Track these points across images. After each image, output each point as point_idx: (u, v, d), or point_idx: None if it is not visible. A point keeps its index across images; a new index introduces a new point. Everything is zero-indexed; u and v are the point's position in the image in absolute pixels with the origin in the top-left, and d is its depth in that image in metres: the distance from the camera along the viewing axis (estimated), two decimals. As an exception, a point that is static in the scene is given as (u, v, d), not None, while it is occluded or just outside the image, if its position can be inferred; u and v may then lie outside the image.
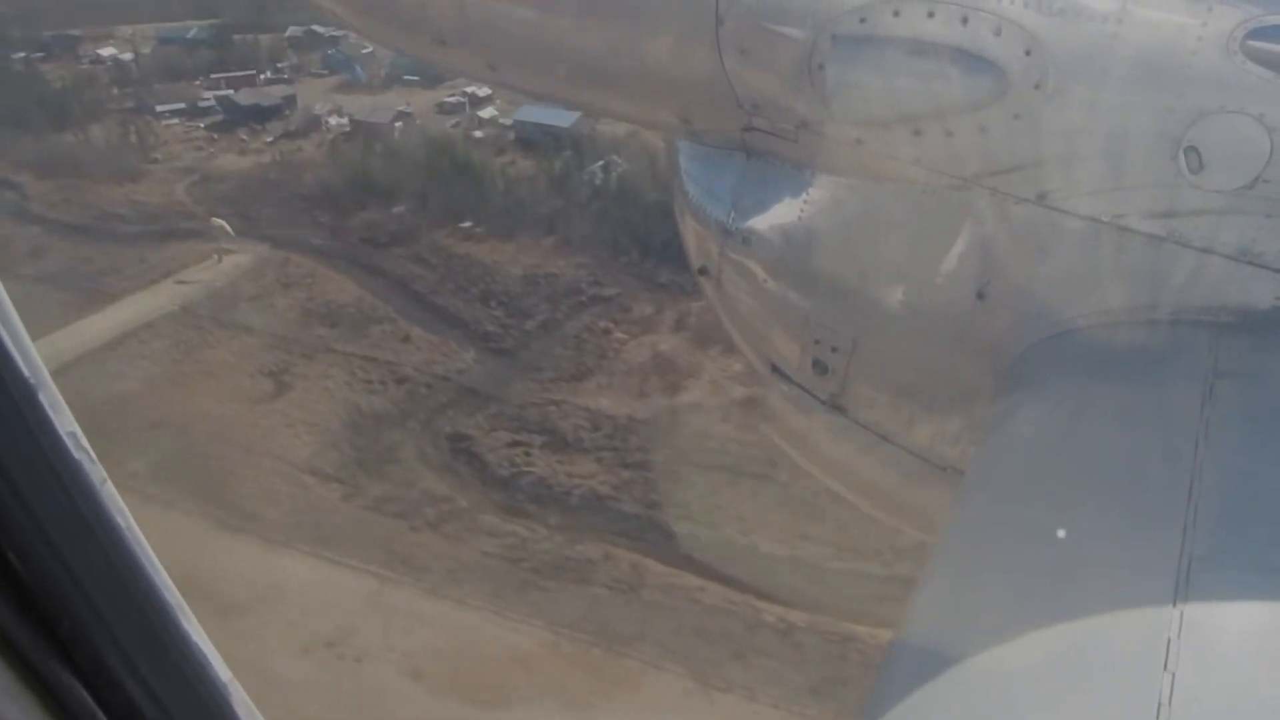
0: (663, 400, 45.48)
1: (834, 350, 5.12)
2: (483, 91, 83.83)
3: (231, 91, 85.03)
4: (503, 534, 38.75)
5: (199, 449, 43.30)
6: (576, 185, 66.42)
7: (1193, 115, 3.94)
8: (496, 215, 63.90)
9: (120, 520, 1.88)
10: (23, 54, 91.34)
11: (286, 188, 69.51)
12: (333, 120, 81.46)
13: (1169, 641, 2.59)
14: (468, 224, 64.38)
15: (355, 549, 37.44)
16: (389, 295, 56.43)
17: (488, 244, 61.16)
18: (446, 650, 32.77)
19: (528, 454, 43.09)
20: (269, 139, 78.11)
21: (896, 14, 4.29)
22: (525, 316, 53.62)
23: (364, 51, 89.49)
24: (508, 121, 79.27)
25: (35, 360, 1.72)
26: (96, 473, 1.84)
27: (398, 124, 79.04)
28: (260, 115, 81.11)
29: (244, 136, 78.52)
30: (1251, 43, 3.83)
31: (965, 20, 4.16)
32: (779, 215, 5.15)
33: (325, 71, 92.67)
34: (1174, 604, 2.71)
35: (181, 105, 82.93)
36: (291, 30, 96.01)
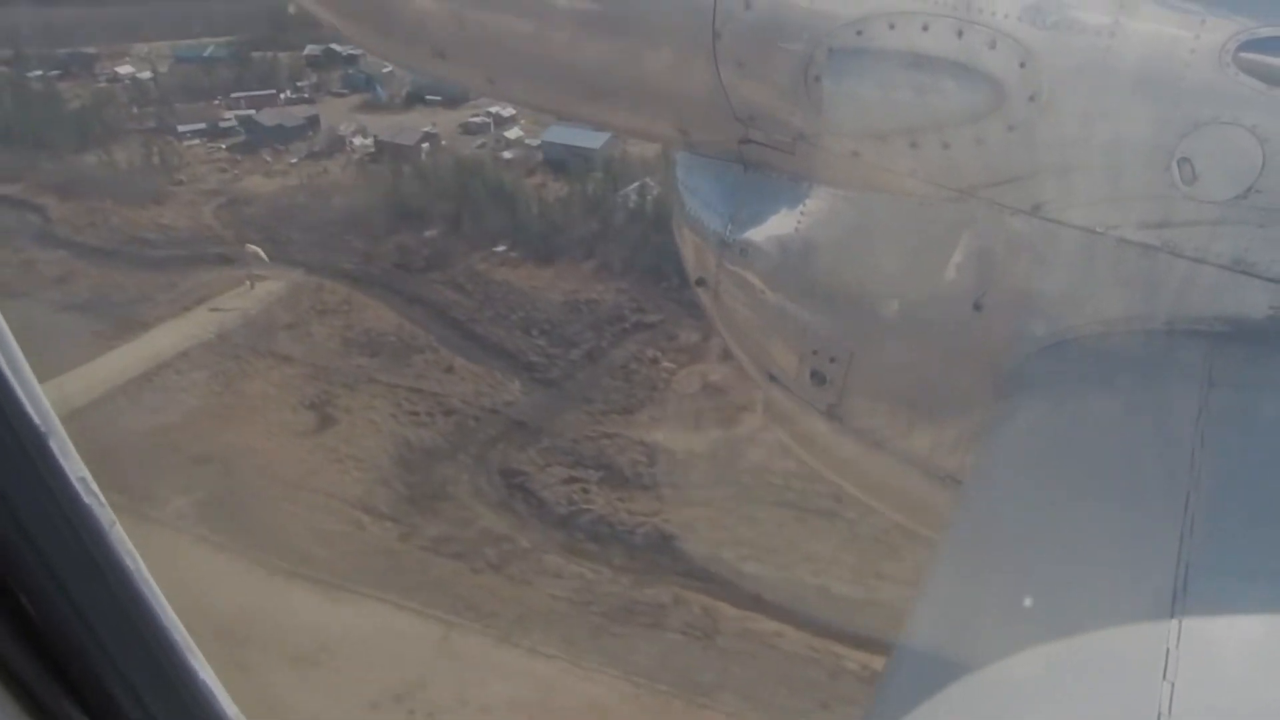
0: (718, 433, 44.41)
1: (832, 361, 5.14)
2: (506, 111, 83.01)
3: (253, 111, 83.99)
4: (568, 576, 37.59)
5: (246, 486, 42.12)
6: (611, 208, 65.45)
7: (1186, 126, 3.97)
8: (531, 239, 62.89)
9: (129, 562, 1.91)
10: (39, 72, 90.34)
11: (315, 211, 68.40)
12: (357, 141, 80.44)
13: (1168, 651, 2.56)
14: (502, 248, 63.37)
15: (417, 593, 36.25)
16: (428, 323, 55.34)
17: (524, 269, 60.13)
18: (523, 703, 31.57)
19: (585, 491, 42.00)
20: (293, 160, 77.03)
21: (892, 27, 4.30)
22: (569, 345, 52.60)
23: (384, 70, 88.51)
24: (534, 142, 78.38)
25: (46, 408, 1.79)
26: (105, 516, 1.89)
27: (424, 145, 78.07)
28: (283, 136, 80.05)
29: (267, 157, 77.45)
30: (1244, 54, 3.83)
31: (960, 33, 4.18)
32: (776, 227, 5.16)
33: (346, 90, 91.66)
34: (1172, 613, 2.69)
35: (202, 125, 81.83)
36: (310, 49, 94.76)
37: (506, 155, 76.68)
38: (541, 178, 73.50)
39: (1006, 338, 4.55)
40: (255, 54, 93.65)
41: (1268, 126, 3.89)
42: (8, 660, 1.75)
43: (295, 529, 39.65)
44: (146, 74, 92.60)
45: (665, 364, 49.96)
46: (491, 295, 57.51)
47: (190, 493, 41.12)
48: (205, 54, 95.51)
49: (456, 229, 64.54)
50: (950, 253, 4.67)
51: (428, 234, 65.47)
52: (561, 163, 73.32)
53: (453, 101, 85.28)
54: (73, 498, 1.82)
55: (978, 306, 4.58)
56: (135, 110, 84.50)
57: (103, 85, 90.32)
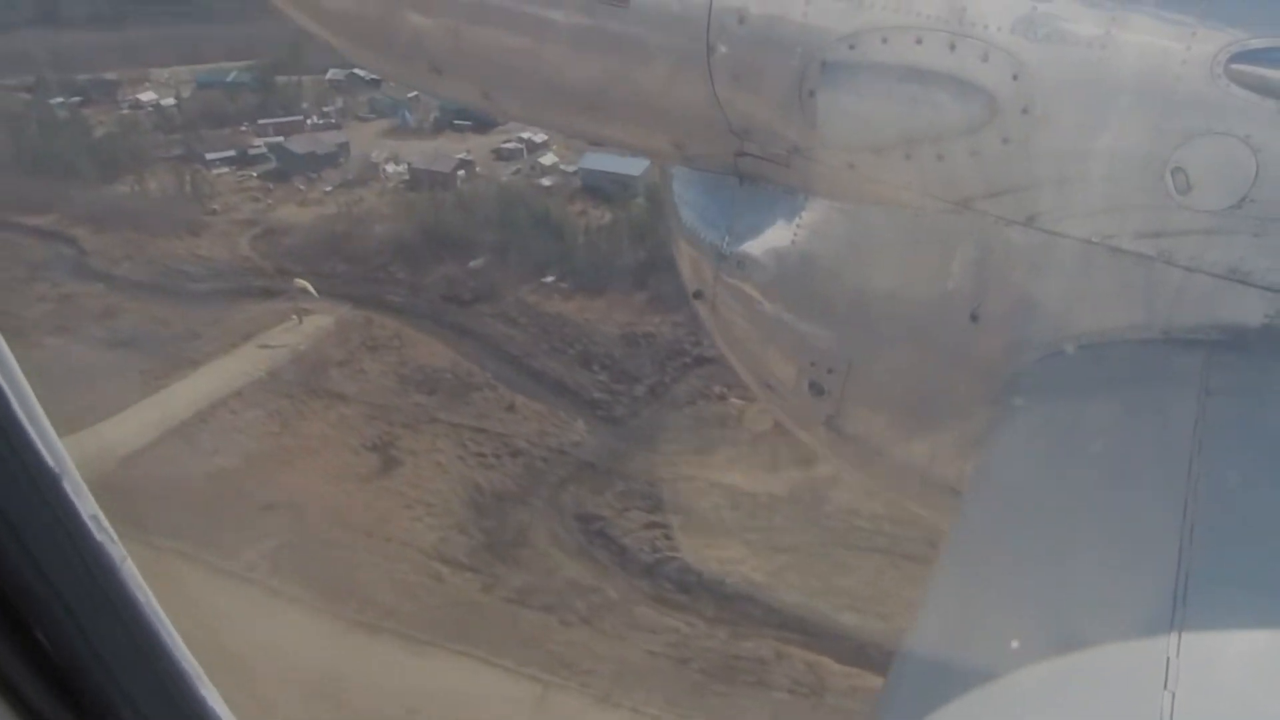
0: (797, 474, 43.05)
1: (830, 372, 5.13)
2: (539, 137, 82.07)
3: (281, 138, 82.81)
4: (662, 630, 36.20)
5: (317, 534, 40.67)
6: (658, 237, 64.34)
7: (1179, 137, 3.97)
8: (580, 270, 61.73)
9: (140, 596, 1.97)
10: (61, 99, 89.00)
11: (355, 241, 67.12)
12: (390, 168, 79.26)
13: (1168, 661, 2.56)
14: (550, 279, 62.17)
15: (508, 648, 34.82)
16: (483, 358, 54.05)
17: (575, 301, 58.93)
18: (635, 769, 30.18)
19: (668, 537, 40.66)
20: (327, 188, 75.75)
21: (885, 41, 4.32)
22: (631, 380, 51.36)
23: (410, 95, 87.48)
24: (570, 168, 77.31)
25: (59, 449, 1.87)
26: (117, 552, 1.95)
27: (460, 172, 76.93)
28: (315, 163, 78.83)
29: (300, 186, 76.17)
30: (1235, 65, 3.84)
31: (953, 46, 4.19)
32: (772, 239, 5.16)
33: (372, 115, 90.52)
34: (1172, 622, 2.69)
35: (231, 153, 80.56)
36: (332, 73, 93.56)
37: (545, 182, 75.55)
38: (582, 205, 72.44)
39: (1003, 348, 4.55)
40: (279, 79, 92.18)
41: (1260, 137, 3.87)
42: (23, 693, 1.79)
43: (373, 580, 38.20)
44: (170, 100, 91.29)
45: (733, 400, 48.66)
46: (545, 328, 56.25)
47: (260, 542, 39.67)
48: (228, 79, 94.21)
49: (502, 259, 63.34)
50: (946, 264, 4.66)
51: (473, 264, 64.26)
52: (601, 190, 72.34)
53: (483, 127, 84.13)
54: (85, 536, 1.87)
55: (974, 317, 4.58)
56: (161, 137, 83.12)
57: (126, 112, 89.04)
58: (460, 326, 56.90)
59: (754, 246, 5.23)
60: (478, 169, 79.05)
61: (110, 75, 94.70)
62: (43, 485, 1.80)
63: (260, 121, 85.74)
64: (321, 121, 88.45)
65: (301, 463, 45.04)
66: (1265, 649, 2.76)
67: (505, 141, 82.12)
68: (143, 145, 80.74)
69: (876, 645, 34.75)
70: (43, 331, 54.23)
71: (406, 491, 43.42)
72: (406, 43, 5.83)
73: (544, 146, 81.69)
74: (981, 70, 4.21)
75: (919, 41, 4.29)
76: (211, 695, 1.99)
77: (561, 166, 78.29)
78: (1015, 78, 4.16)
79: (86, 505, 1.88)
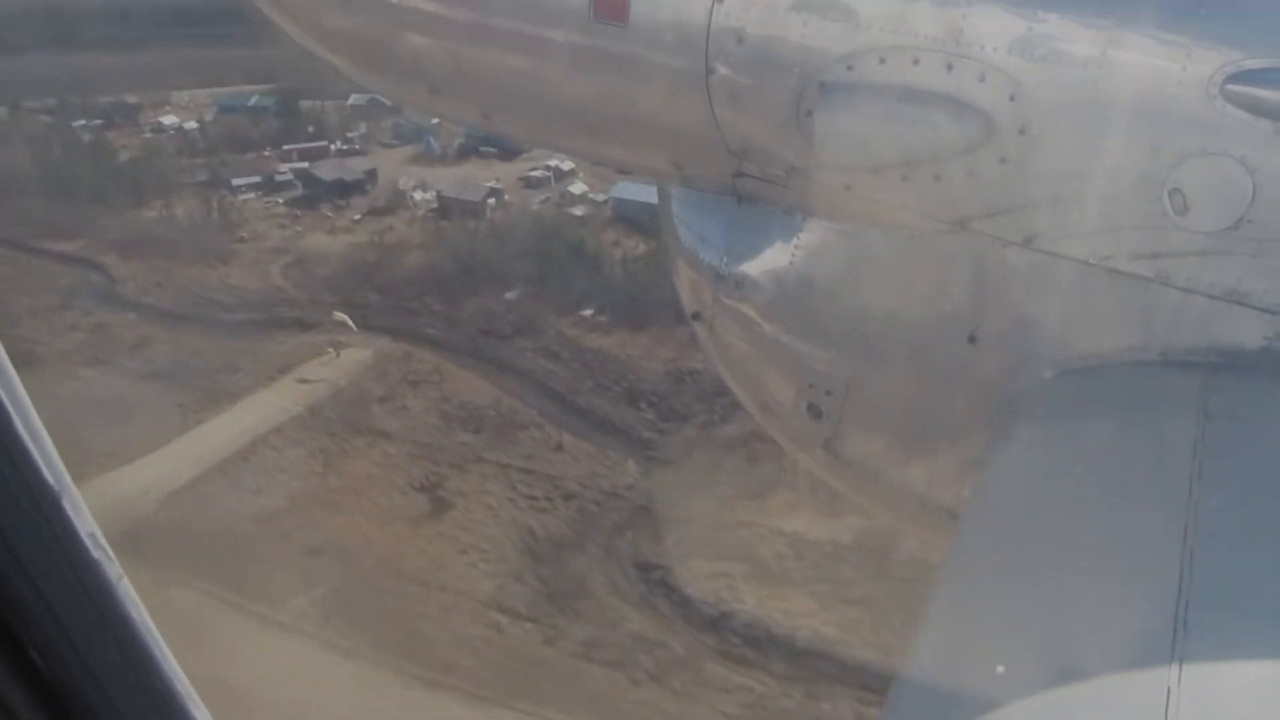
0: (861, 520, 41.84)
1: (828, 394, 5.09)
2: (566, 164, 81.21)
3: (307, 164, 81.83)
4: (735, 688, 34.86)
5: (368, 581, 39.30)
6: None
7: (1176, 158, 3.96)
8: (618, 303, 60.66)
9: (135, 614, 1.97)
10: (82, 121, 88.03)
11: (388, 271, 66.06)
12: (418, 195, 78.29)
13: (1169, 690, 2.55)
14: (589, 312, 61.13)
15: (579, 708, 33.43)
16: (526, 395, 52.90)
17: (616, 336, 57.88)
18: (723, 843, 28.72)
19: (732, 587, 39.34)
20: (356, 216, 74.68)
21: (882, 61, 4.32)
22: (680, 419, 50.20)
23: (434, 121, 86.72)
24: (600, 198, 76.40)
25: (58, 466, 1.87)
26: (113, 570, 1.95)
27: (490, 201, 75.95)
28: (343, 190, 77.83)
29: (328, 213, 75.08)
30: (1230, 86, 3.84)
31: (950, 67, 4.20)
32: (771, 260, 5.14)
33: (396, 141, 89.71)
34: (1173, 650, 2.67)
35: (257, 179, 79.51)
36: (354, 98, 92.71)
37: (577, 212, 74.59)
38: (615, 235, 71.47)
39: (1001, 370, 4.53)
40: (303, 103, 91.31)
41: (1257, 157, 3.85)
42: (14, 708, 1.81)
43: (430, 632, 36.81)
44: (192, 124, 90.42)
45: (787, 442, 47.49)
46: (588, 364, 55.16)
47: (309, 590, 38.29)
48: (249, 103, 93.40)
49: (538, 291, 62.31)
50: (944, 285, 4.63)
51: (509, 296, 63.18)
52: (634, 220, 71.27)
53: (508, 154, 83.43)
54: (82, 553, 1.88)
55: (972, 339, 4.55)
56: (185, 162, 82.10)
57: (148, 136, 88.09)
58: (501, 361, 55.78)
59: (752, 267, 5.21)
60: (506, 197, 78.10)
61: (130, 98, 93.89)
62: (41, 502, 1.82)
63: (285, 147, 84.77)
64: (346, 147, 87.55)
65: (348, 504, 43.72)
66: (1268, 678, 2.72)
67: (532, 169, 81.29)
68: (167, 170, 79.65)
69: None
70: (76, 362, 53.06)
71: (458, 536, 42.09)
72: (406, 63, 5.83)
73: (572, 174, 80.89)
74: (978, 91, 4.19)
75: (916, 62, 4.27)
76: (202, 715, 2.00)
77: (591, 195, 77.38)
78: (1012, 98, 4.14)
79: (84, 522, 1.89)
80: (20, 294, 59.72)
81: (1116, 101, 4.05)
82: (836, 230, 4.94)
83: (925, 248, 4.59)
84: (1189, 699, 2.52)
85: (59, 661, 1.84)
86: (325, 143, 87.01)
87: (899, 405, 5.10)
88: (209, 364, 54.15)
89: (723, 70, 4.67)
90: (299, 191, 78.16)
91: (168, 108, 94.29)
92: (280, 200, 77.36)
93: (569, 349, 56.71)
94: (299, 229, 72.55)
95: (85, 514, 1.90)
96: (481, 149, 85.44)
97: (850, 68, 4.40)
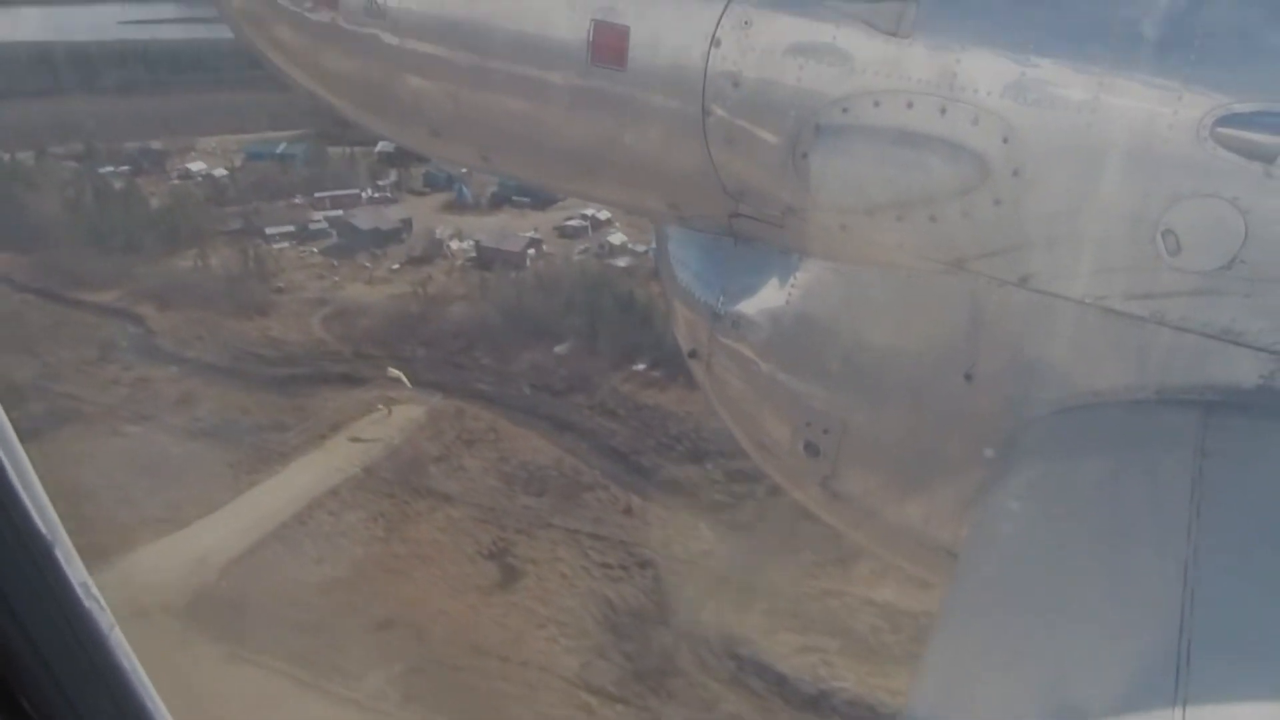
0: (952, 591, 40.11)
1: (825, 432, 5.12)
2: (602, 214, 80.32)
3: (340, 212, 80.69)
4: (847, 776, 32.90)
5: (445, 657, 37.31)
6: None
7: (1168, 200, 4.03)
8: (670, 357, 59.08)
9: (126, 664, 2.00)
10: (110, 168, 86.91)
11: (431, 323, 64.68)
12: (454, 244, 77.12)
13: None
14: (641, 366, 59.72)
15: (686, 801, 31.40)
16: (587, 455, 51.26)
17: (673, 391, 56.28)
18: None
19: (828, 663, 37.51)
20: (394, 265, 73.41)
21: (877, 104, 4.41)
22: (749, 480, 48.31)
23: (463, 170, 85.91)
24: (641, 248, 75.23)
25: (52, 517, 1.90)
26: (105, 620, 1.97)
27: (530, 251, 74.81)
28: (379, 239, 76.59)
29: (365, 263, 73.79)
30: (1221, 130, 3.91)
31: (944, 110, 4.27)
32: (767, 299, 5.19)
33: (427, 189, 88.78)
34: (1176, 692, 2.65)
35: (291, 227, 78.20)
36: (382, 145, 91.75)
37: (620, 263, 73.43)
38: (657, 287, 70.23)
39: (998, 409, 4.55)
40: (332, 149, 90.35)
41: (1248, 199, 3.92)
42: None
43: (518, 713, 34.80)
44: (221, 171, 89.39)
45: (864, 505, 45.91)
46: (647, 421, 53.62)
47: (385, 667, 36.29)
48: (278, 150, 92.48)
49: (588, 345, 60.94)
50: (940, 324, 4.66)
51: (558, 350, 61.78)
52: (677, 272, 70.07)
53: (542, 203, 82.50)
54: (74, 602, 1.90)
55: (968, 377, 4.58)
56: (216, 210, 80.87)
57: (176, 182, 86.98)
58: (557, 419, 54.21)
59: (749, 306, 5.26)
60: (545, 247, 77.01)
61: (155, 144, 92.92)
62: (34, 552, 1.83)
63: (317, 195, 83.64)
64: (377, 195, 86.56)
65: (416, 572, 41.81)
66: (1272, 718, 2.69)
67: (568, 219, 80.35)
68: (199, 218, 78.35)
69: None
70: (121, 419, 51.27)
71: (535, 608, 40.18)
72: (406, 105, 5.90)
73: (609, 224, 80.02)
74: (972, 134, 4.26)
75: (910, 105, 4.34)
76: None
77: (631, 246, 76.33)
78: (1006, 140, 4.21)
79: (77, 572, 1.90)
80: (58, 346, 58.07)
81: (1109, 144, 4.09)
82: (833, 270, 4.99)
83: (921, 287, 4.63)
84: None
85: (51, 710, 1.84)
86: (357, 190, 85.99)
87: (896, 444, 5.12)
88: (257, 421, 52.40)
89: (719, 113, 4.75)
90: (334, 240, 76.92)
91: (193, 154, 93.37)
92: (315, 249, 76.07)
93: (625, 405, 55.19)
94: (336, 279, 71.19)
95: (78, 563, 1.91)
96: (515, 198, 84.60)
97: (845, 110, 4.48)
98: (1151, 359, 4.23)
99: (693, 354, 5.65)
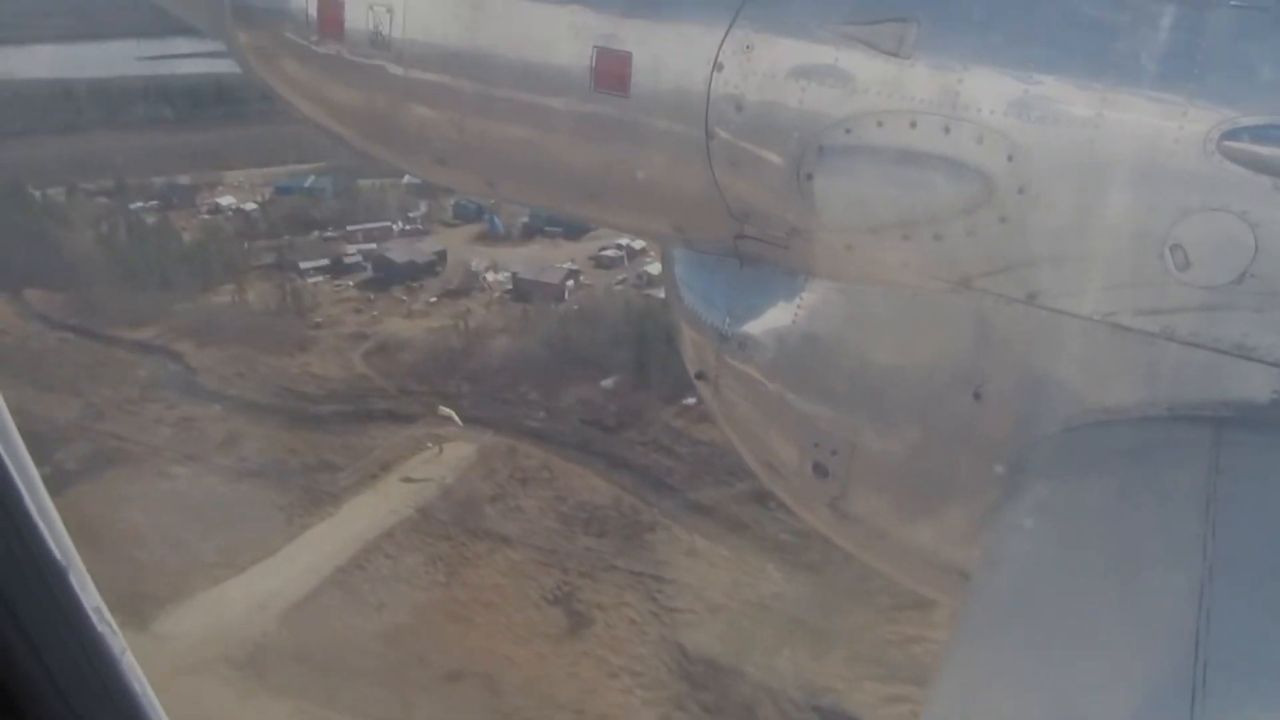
0: (1038, 635, 38.62)
1: (833, 453, 5.07)
2: (637, 244, 79.26)
3: (373, 245, 79.95)
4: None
5: (521, 712, 35.81)
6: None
7: (1175, 214, 3.97)
8: (720, 391, 58.16)
9: (137, 687, 2.00)
10: (140, 203, 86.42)
11: (474, 357, 63.64)
12: (490, 276, 76.26)
13: None
14: (692, 400, 58.52)
15: None
16: (644, 493, 49.95)
17: (726, 427, 55.10)
18: None
19: (917, 714, 35.88)
20: (431, 299, 72.48)
21: (880, 125, 4.41)
22: (814, 520, 47.09)
23: (491, 201, 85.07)
24: (679, 279, 74.45)
25: (66, 543, 1.92)
26: (117, 643, 1.99)
27: (569, 283, 73.89)
28: (414, 272, 75.74)
29: (402, 296, 72.87)
30: (1227, 143, 3.87)
31: (947, 129, 4.27)
32: (773, 320, 5.18)
33: (458, 220, 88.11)
34: (1191, 712, 2.60)
35: (325, 261, 77.40)
36: (410, 177, 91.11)
37: (660, 294, 72.42)
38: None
39: (1008, 428, 4.52)
40: (362, 182, 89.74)
41: (1257, 212, 3.86)
42: None
43: (600, 772, 33.31)
44: (251, 205, 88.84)
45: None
46: (703, 459, 52.22)
47: (458, 721, 34.77)
48: (306, 184, 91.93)
49: (636, 379, 59.74)
50: (947, 343, 4.64)
51: (605, 384, 60.66)
52: (720, 303, 69.05)
53: (574, 233, 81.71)
54: (87, 627, 1.92)
55: (977, 396, 4.54)
56: (248, 244, 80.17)
57: (206, 217, 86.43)
58: (611, 456, 52.94)
59: (755, 327, 5.22)
60: (583, 278, 76.11)
61: (183, 179, 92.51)
62: (49, 577, 1.86)
63: (349, 228, 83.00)
64: (409, 227, 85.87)
65: (480, 619, 40.41)
66: None
67: (603, 249, 79.44)
68: (232, 253, 77.67)
69: None
70: (168, 459, 50.10)
71: (606, 657, 38.74)
72: (411, 134, 5.93)
73: (644, 254, 78.94)
74: (976, 152, 4.21)
75: (914, 125, 4.31)
76: None
77: (668, 276, 75.45)
78: (1010, 158, 4.16)
79: (90, 598, 1.92)
80: (99, 385, 57.09)
81: (1114, 160, 4.03)
82: (839, 290, 4.97)
83: (928, 306, 4.59)
84: None
85: None
86: (388, 223, 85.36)
87: (905, 464, 5.06)
88: (305, 461, 51.19)
89: (723, 136, 4.77)
90: (369, 274, 76.13)
91: (221, 188, 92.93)
92: (350, 283, 75.25)
93: (679, 441, 53.94)
94: (374, 313, 70.28)
95: (91, 589, 1.92)
96: (547, 228, 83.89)
97: (848, 131, 4.48)
98: (1162, 375, 4.18)
99: (700, 375, 5.66)
